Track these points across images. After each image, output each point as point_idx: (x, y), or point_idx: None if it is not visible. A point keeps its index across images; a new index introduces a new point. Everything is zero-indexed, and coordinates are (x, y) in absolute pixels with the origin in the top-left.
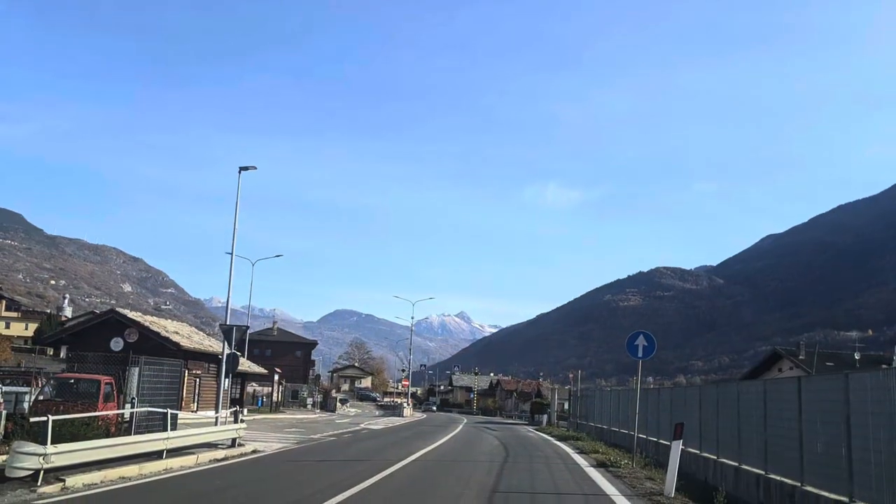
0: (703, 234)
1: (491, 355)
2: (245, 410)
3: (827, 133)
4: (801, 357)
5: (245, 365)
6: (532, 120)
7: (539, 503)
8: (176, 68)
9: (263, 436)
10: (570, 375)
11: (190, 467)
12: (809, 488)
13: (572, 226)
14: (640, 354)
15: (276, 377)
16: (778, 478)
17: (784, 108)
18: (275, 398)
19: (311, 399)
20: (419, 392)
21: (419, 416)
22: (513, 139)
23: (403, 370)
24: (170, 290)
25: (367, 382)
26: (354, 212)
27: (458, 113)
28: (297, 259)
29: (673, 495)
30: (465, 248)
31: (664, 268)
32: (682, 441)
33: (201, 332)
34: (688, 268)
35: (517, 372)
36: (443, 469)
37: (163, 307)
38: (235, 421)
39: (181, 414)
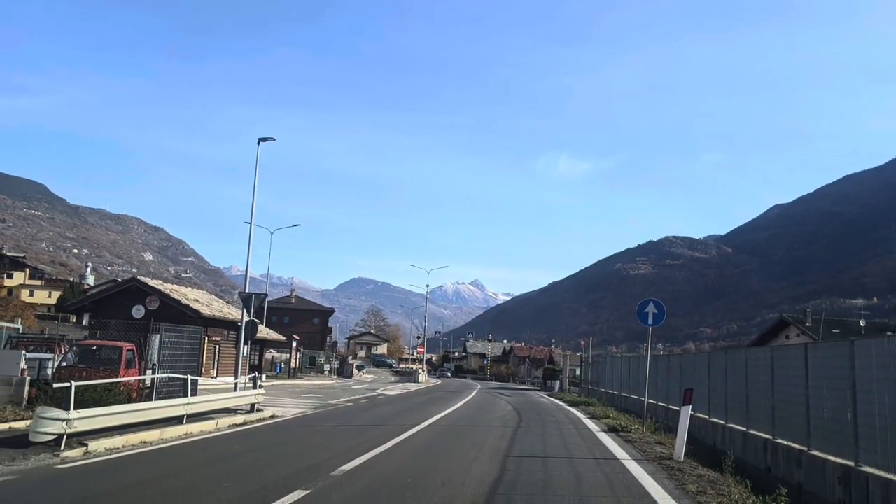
0: (711, 204)
1: (504, 322)
2: (264, 376)
3: (833, 104)
4: (807, 324)
5: (264, 332)
6: (544, 92)
7: (551, 467)
8: (196, 42)
9: (282, 401)
10: (582, 342)
11: (210, 432)
12: (816, 453)
13: (584, 196)
14: (650, 322)
15: (294, 344)
16: (785, 442)
17: (791, 80)
18: (293, 365)
19: (328, 365)
20: (434, 358)
21: (434, 382)
22: (525, 111)
23: (418, 337)
24: (190, 259)
25: (383, 349)
26: (370, 182)
27: (471, 85)
28: (315, 228)
29: (682, 459)
30: (478, 217)
31: (674, 237)
32: (691, 406)
33: (221, 300)
34: (697, 237)
35: (530, 339)
36: (457, 434)
37: (183, 275)
38: (254, 387)
39: (201, 380)
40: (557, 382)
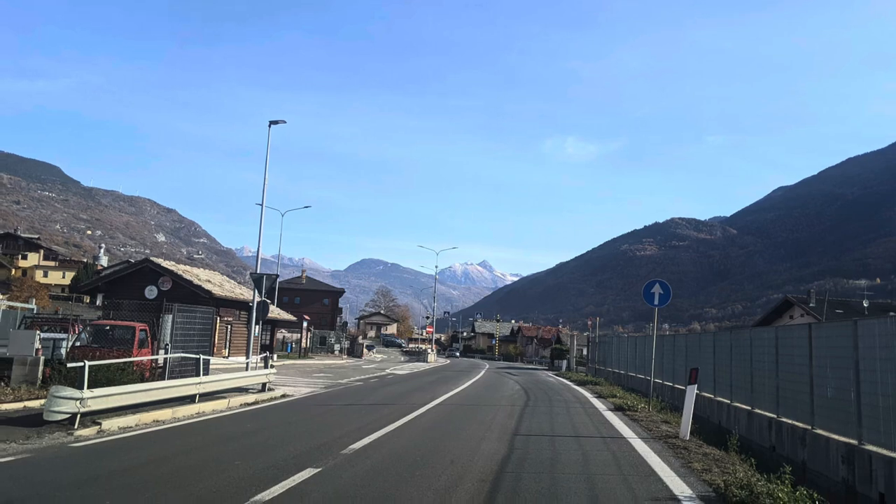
0: (716, 186)
1: (512, 303)
2: (275, 356)
3: (836, 88)
4: (811, 305)
5: (275, 312)
6: (551, 76)
7: (559, 445)
8: (207, 26)
9: (292, 380)
10: (589, 322)
11: (221, 411)
12: (820, 431)
13: (590, 178)
14: (655, 302)
15: (305, 324)
16: (789, 421)
17: (794, 65)
18: (303, 344)
19: (338, 345)
20: (443, 338)
21: (443, 361)
22: (533, 95)
23: (428, 317)
24: (202, 240)
25: (392, 329)
26: (380, 164)
27: (480, 69)
28: (325, 210)
29: (688, 438)
30: (487, 199)
31: (679, 218)
32: (696, 386)
33: (232, 281)
34: (702, 218)
35: (537, 319)
36: (466, 413)
37: (195, 256)
38: (265, 366)
39: (213, 360)
40: (564, 362)
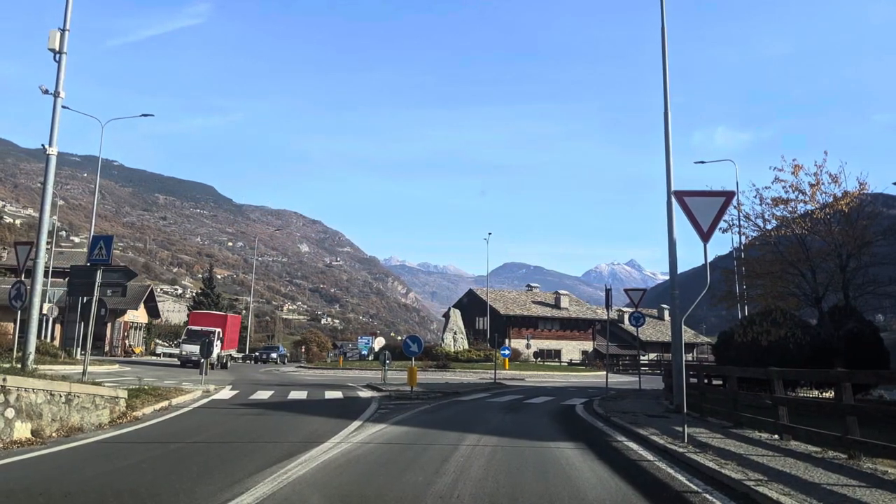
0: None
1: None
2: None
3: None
4: None
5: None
6: (690, 66)
7: None
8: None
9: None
10: None
11: None
12: None
13: (740, 167)
14: None
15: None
16: None
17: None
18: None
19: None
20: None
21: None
22: (681, 90)
23: None
24: (346, 249)
25: None
26: (517, 168)
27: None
28: (460, 215)
29: None
30: (626, 197)
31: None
32: None
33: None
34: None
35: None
36: None
37: (334, 264)
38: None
39: None
40: None
